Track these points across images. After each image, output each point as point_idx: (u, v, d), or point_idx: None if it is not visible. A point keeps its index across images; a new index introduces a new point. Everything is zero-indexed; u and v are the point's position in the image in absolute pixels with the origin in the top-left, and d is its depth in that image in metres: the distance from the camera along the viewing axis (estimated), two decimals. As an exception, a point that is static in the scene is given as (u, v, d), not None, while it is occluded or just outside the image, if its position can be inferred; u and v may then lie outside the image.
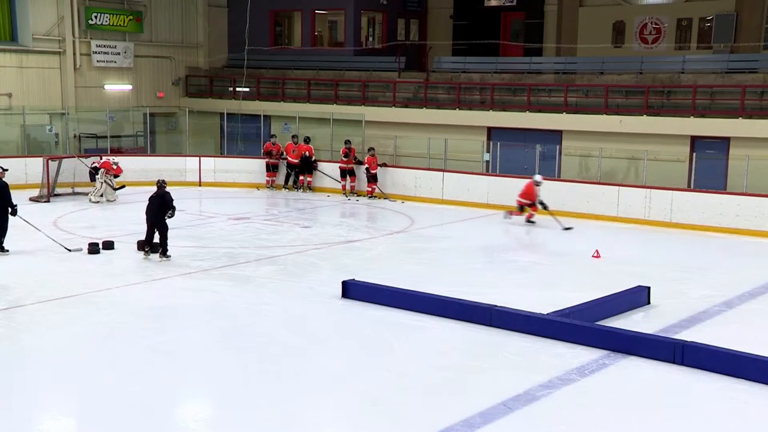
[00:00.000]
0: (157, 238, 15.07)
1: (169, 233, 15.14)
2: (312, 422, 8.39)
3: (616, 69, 24.51)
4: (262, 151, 24.74)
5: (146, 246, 15.15)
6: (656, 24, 27.33)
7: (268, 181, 24.76)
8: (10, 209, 15.36)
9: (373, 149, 23.28)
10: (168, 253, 14.99)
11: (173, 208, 15.09)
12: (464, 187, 22.39)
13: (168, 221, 15.12)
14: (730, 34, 25.18)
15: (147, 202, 15.23)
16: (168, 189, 15.37)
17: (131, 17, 28.89)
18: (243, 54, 26.86)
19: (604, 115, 22.87)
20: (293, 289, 13.46)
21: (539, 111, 24.07)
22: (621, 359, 10.16)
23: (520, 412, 8.61)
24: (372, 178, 23.30)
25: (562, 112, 23.64)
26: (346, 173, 23.88)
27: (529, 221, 19.46)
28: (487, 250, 17.07)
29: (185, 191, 22.92)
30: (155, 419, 8.38)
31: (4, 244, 15.34)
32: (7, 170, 15.59)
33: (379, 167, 23.33)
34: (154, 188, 15.44)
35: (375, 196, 23.28)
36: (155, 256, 15.05)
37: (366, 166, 23.28)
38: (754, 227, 18.37)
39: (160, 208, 15.01)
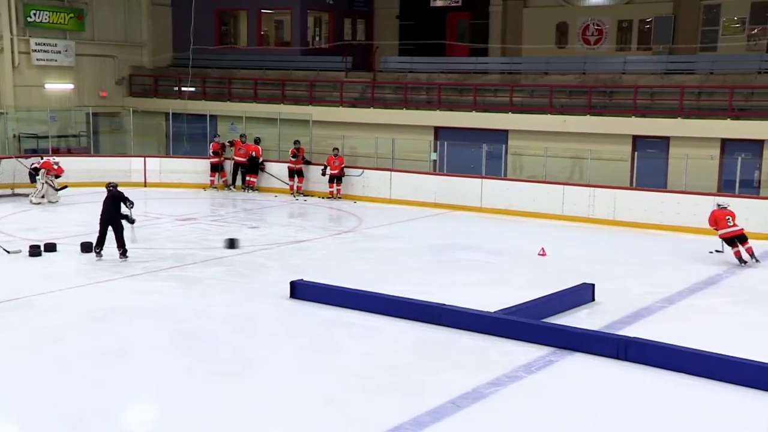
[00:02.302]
0: (111, 240, 14.89)
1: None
2: (262, 423, 8.36)
3: (560, 69, 24.88)
4: (211, 151, 24.48)
5: (98, 247, 14.98)
6: (598, 25, 27.81)
7: (212, 181, 24.55)
8: None
9: (337, 149, 23.13)
10: (127, 254, 14.82)
11: (128, 200, 15.05)
12: (412, 187, 22.50)
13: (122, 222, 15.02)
14: (669, 36, 25.77)
15: (101, 207, 15.10)
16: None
17: (72, 15, 28.32)
18: (188, 53, 26.56)
19: (549, 115, 23.20)
20: (241, 289, 13.38)
21: (485, 111, 24.27)
22: (567, 356, 10.33)
23: (468, 410, 8.70)
24: (334, 179, 23.06)
25: (507, 112, 23.89)
26: (294, 173, 23.80)
27: (740, 260, 15.58)
28: (435, 250, 17.19)
29: (130, 192, 22.37)
30: (101, 423, 8.24)
31: None
32: None
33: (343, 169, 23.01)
34: (96, 188, 15.26)
35: (341, 197, 23.00)
36: (115, 257, 14.86)
37: (325, 165, 23.11)
38: (694, 224, 18.78)
39: (113, 207, 14.89)
